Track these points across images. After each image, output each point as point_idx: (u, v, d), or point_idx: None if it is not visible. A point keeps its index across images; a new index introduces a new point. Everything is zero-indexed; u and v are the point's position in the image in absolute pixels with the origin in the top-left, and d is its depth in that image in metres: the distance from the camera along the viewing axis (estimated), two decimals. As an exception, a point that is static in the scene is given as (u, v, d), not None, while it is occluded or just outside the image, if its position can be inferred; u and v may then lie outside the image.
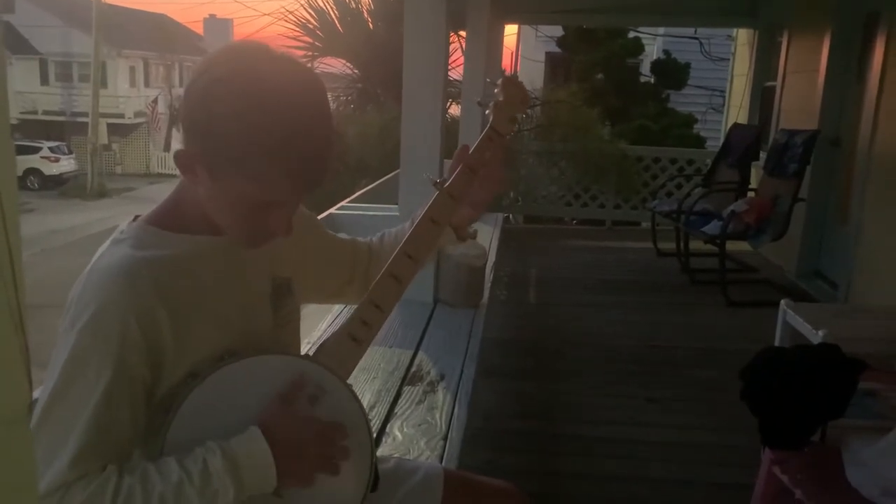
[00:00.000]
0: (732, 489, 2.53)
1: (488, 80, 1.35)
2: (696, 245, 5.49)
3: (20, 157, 24.26)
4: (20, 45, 29.56)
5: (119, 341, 0.91)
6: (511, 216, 8.77)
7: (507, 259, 5.85)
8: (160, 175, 27.03)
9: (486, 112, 1.29)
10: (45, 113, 29.37)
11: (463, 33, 6.35)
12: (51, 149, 25.27)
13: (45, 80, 30.01)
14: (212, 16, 38.09)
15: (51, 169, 24.83)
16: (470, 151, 1.24)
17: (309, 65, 8.06)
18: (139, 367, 0.93)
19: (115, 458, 0.91)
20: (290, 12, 7.38)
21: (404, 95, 2.66)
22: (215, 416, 0.99)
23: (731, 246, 5.19)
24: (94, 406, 0.89)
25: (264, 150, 0.91)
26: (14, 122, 28.56)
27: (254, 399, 1.02)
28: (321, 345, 1.12)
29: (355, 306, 1.16)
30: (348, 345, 1.12)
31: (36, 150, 24.78)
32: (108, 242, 0.99)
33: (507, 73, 1.38)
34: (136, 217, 1.03)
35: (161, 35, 30.82)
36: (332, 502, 1.07)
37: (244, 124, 0.90)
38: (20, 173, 23.93)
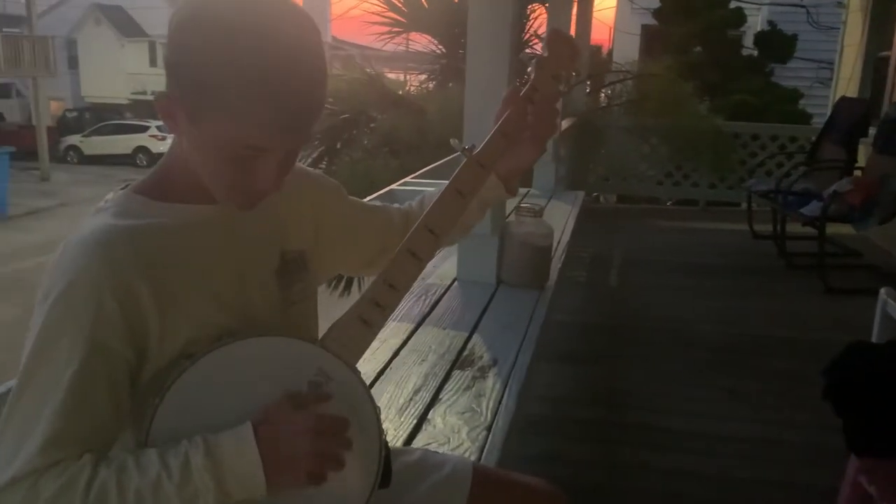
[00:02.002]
0: (814, 493, 2.33)
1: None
2: (796, 228, 5.13)
3: (130, 136, 25.57)
4: (131, 28, 31.04)
5: (92, 318, 0.84)
6: (601, 195, 8.49)
7: (590, 239, 5.65)
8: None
9: (528, 70, 1.17)
10: (154, 93, 30.64)
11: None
12: (158, 127, 26.38)
13: (153, 62, 31.33)
14: (310, -5, 38.74)
15: (158, 147, 25.90)
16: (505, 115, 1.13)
17: (394, 41, 8.00)
18: (118, 346, 0.86)
19: (93, 445, 0.85)
20: (378, -13, 7.29)
21: (468, 68, 2.55)
22: (208, 401, 0.92)
23: (835, 229, 4.83)
24: (65, 388, 0.83)
25: (241, 84, 0.82)
26: (125, 101, 30.23)
27: (251, 384, 0.94)
28: (329, 327, 1.04)
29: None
30: (358, 328, 1.02)
31: (145, 128, 25.96)
32: (91, 211, 0.93)
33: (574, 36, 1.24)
34: (126, 185, 0.97)
35: (261, 15, 31.58)
36: (334, 498, 0.99)
37: (218, 57, 0.82)
38: (129, 151, 25.19)
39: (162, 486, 0.83)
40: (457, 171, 1.11)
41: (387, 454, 1.05)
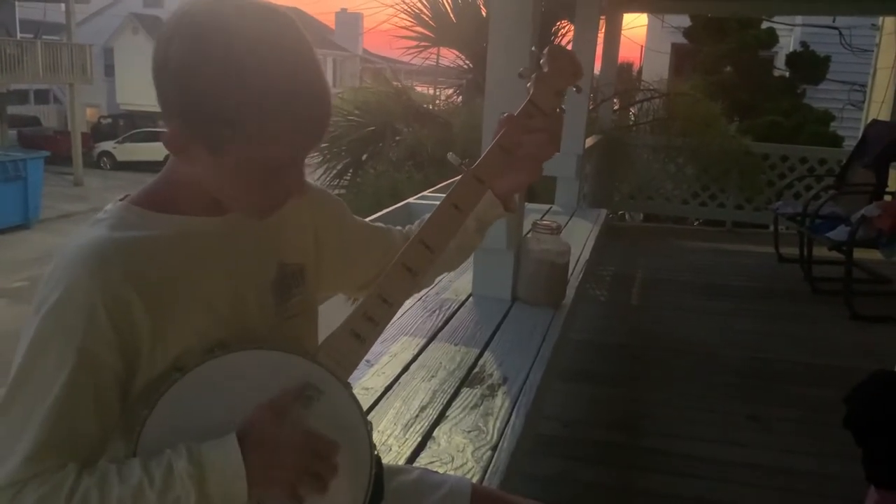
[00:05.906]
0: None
1: (534, 48, 1.20)
2: (824, 252, 5.04)
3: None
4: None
5: (83, 330, 0.83)
6: (628, 214, 8.42)
7: (612, 258, 5.61)
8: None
9: (528, 85, 1.15)
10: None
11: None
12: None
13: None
14: (343, 9, 39.21)
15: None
16: (503, 130, 1.11)
17: (423, 56, 8.04)
18: (108, 359, 0.85)
19: (79, 456, 0.84)
20: (404, 1, 7.34)
21: (487, 83, 2.52)
22: (196, 415, 0.91)
23: (864, 254, 4.73)
24: (53, 399, 0.82)
25: (265, 111, 0.83)
26: (159, 110, 30.72)
27: (240, 397, 0.93)
28: (322, 342, 1.02)
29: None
30: (350, 342, 1.01)
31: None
32: (89, 222, 0.93)
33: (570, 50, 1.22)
34: (126, 196, 0.97)
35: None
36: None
37: (236, 89, 0.82)
38: (161, 158, 25.36)
39: (143, 492, 0.82)
40: (454, 185, 1.10)
41: (378, 471, 1.03)
